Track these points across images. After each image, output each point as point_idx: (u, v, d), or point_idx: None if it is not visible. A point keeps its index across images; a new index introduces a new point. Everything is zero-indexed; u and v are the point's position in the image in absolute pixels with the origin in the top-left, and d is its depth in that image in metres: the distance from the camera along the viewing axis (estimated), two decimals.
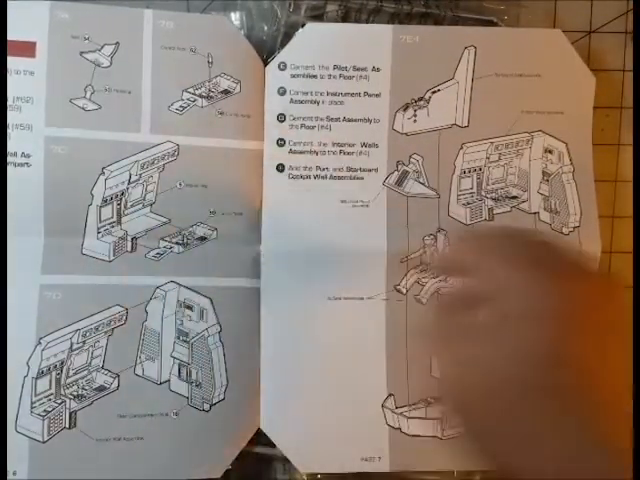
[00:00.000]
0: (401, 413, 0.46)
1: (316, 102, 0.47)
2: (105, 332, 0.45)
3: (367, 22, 0.48)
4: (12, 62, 0.44)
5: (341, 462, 0.46)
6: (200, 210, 0.46)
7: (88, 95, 0.45)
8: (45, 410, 0.44)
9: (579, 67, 0.48)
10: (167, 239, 0.46)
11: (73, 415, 0.44)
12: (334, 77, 0.47)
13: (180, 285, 0.46)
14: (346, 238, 0.47)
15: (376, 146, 0.47)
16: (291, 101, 0.47)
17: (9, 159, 0.44)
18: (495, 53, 0.47)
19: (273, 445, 0.46)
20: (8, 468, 0.42)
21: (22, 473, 0.43)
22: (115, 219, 0.45)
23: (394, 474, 0.47)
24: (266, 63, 0.47)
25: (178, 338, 0.46)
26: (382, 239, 0.47)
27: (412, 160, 0.47)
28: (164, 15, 0.46)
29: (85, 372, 0.44)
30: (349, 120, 0.47)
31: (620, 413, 0.27)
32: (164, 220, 0.46)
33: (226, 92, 0.46)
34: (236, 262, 0.47)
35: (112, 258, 0.45)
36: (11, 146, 0.44)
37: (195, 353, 0.46)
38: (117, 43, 0.45)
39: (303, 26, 0.47)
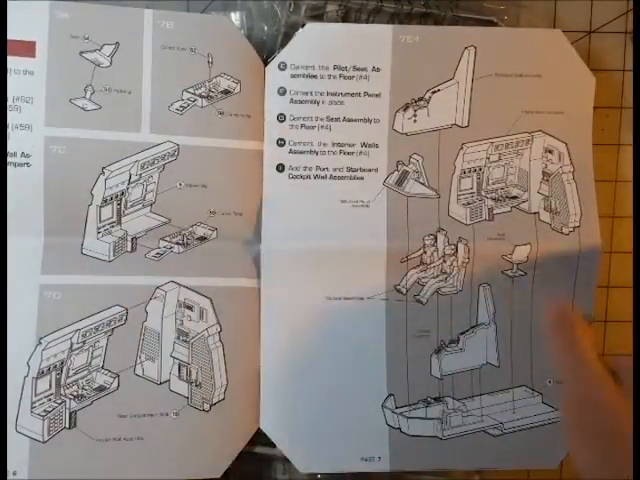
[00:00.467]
0: (401, 413, 0.46)
1: (316, 102, 0.47)
2: (105, 332, 0.45)
3: (367, 22, 0.48)
4: (12, 62, 0.44)
5: (341, 462, 0.46)
6: (200, 210, 0.46)
7: (88, 95, 0.45)
8: (45, 410, 0.44)
9: (579, 67, 0.48)
10: (167, 239, 0.46)
11: (73, 415, 0.44)
12: (334, 77, 0.47)
13: (180, 285, 0.46)
14: (346, 238, 0.47)
15: (376, 146, 0.47)
16: (291, 101, 0.47)
17: (9, 159, 0.44)
18: (495, 53, 0.47)
19: (273, 445, 0.46)
20: (8, 468, 0.42)
21: (22, 473, 0.43)
22: (115, 219, 0.45)
23: (393, 475, 0.47)
24: (266, 63, 0.47)
25: (178, 338, 0.46)
26: (382, 239, 0.47)
27: (412, 160, 0.47)
28: (164, 15, 0.46)
29: (85, 372, 0.44)
30: (349, 120, 0.47)
31: None
32: (164, 220, 0.46)
33: (226, 92, 0.46)
34: (236, 262, 0.47)
35: (112, 258, 0.45)
36: (11, 146, 0.44)
37: (195, 353, 0.46)
38: (117, 43, 0.45)
39: (303, 26, 0.47)
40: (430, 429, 0.47)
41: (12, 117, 0.44)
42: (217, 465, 0.45)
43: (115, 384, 0.45)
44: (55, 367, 0.44)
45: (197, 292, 0.46)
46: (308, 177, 0.47)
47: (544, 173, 0.48)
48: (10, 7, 0.43)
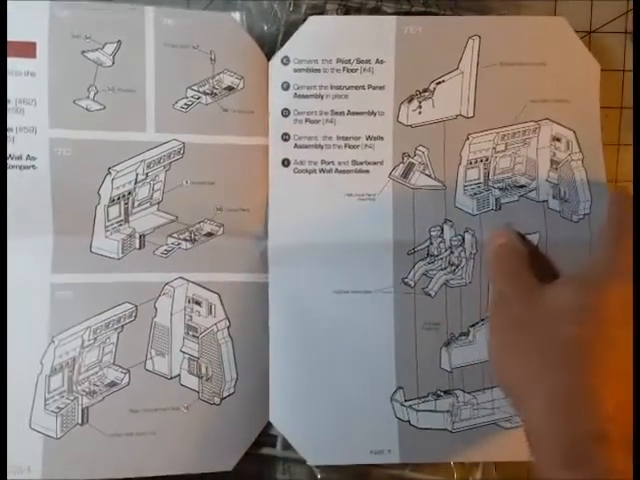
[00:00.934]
0: (410, 406, 0.46)
1: (320, 96, 0.47)
2: (115, 329, 0.45)
3: None
4: (12, 63, 0.44)
5: (350, 455, 0.46)
6: (207, 207, 0.47)
7: (91, 96, 0.45)
8: (58, 407, 0.44)
9: (583, 54, 0.47)
10: (175, 236, 0.46)
11: (85, 411, 0.45)
12: (338, 70, 0.47)
13: (188, 281, 0.46)
14: (352, 231, 0.47)
15: (381, 139, 0.47)
16: (295, 96, 0.47)
17: (14, 162, 0.44)
18: (499, 42, 0.47)
19: (273, 445, 0.47)
20: (22, 465, 0.43)
21: (36, 469, 0.44)
22: (123, 218, 0.46)
23: (393, 474, 0.47)
24: (269, 58, 0.47)
25: (187, 333, 0.46)
26: (388, 232, 0.47)
27: (418, 152, 0.47)
28: (165, 12, 0.46)
29: (96, 368, 0.45)
30: (353, 113, 0.47)
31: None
32: (171, 218, 0.46)
33: (230, 88, 0.47)
34: (243, 257, 0.47)
35: (121, 256, 0.46)
36: (16, 149, 0.44)
37: (204, 348, 0.46)
38: (119, 41, 0.45)
39: (305, 20, 0.46)
40: (440, 422, 0.47)
41: (16, 120, 0.44)
42: (229, 458, 0.46)
43: (126, 380, 0.45)
44: (67, 364, 0.45)
45: (205, 288, 0.46)
46: (313, 171, 0.47)
47: (552, 161, 0.47)
48: (10, 7, 0.43)
